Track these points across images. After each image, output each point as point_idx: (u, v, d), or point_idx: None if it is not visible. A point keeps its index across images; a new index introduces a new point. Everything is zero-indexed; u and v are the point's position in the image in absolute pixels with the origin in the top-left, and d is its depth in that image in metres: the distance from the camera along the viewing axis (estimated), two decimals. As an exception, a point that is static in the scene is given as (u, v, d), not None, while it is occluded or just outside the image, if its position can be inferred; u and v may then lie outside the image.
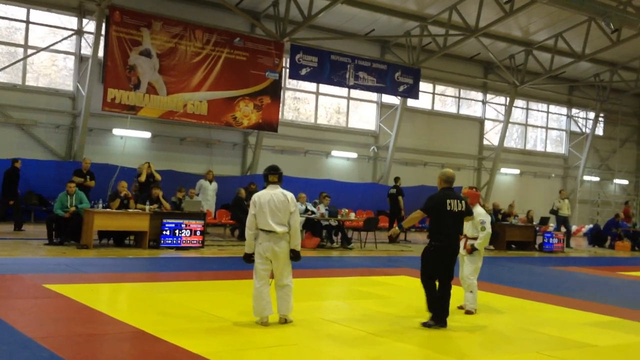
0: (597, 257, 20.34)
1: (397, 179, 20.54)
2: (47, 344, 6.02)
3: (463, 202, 7.92)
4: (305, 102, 25.09)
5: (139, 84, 19.42)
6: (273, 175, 7.52)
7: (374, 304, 9.30)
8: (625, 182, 34.06)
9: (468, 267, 8.89)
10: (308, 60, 22.34)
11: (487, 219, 8.93)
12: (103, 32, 19.18)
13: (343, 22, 23.47)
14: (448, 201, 7.74)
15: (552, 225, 21.65)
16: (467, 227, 8.78)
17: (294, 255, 7.48)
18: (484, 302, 10.03)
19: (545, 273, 14.87)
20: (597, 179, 33.06)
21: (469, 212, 8.11)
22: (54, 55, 20.42)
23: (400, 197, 19.79)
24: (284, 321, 7.48)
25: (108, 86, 18.94)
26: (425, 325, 7.67)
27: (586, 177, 32.32)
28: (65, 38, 20.05)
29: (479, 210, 8.88)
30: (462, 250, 8.84)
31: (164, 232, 14.25)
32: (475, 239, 8.85)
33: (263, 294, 7.35)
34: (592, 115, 32.40)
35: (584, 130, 32.67)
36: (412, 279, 12.18)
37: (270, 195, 7.39)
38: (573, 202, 28.82)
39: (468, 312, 8.77)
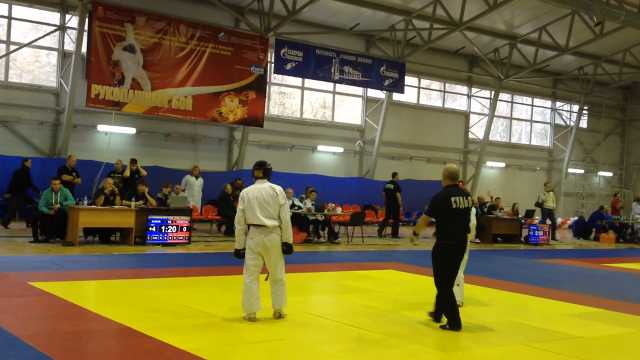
0: (582, 249, 20.50)
1: (394, 175, 20.60)
2: (33, 342, 5.98)
3: (469, 198, 7.70)
4: (291, 97, 25.06)
5: (123, 79, 19.31)
6: (258, 171, 7.55)
7: (361, 298, 9.32)
8: (609, 174, 34.32)
9: None
10: (293, 54, 22.30)
11: (472, 211, 8.96)
12: (86, 27, 19.04)
13: (328, 17, 23.44)
14: (452, 199, 7.48)
15: (537, 217, 21.79)
16: None
17: (287, 248, 7.47)
18: (470, 294, 10.08)
19: (531, 265, 14.97)
20: (581, 171, 33.30)
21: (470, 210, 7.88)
22: (37, 51, 20.26)
23: (398, 193, 19.80)
24: (279, 315, 7.49)
25: (92, 82, 18.82)
26: (443, 328, 7.42)
27: (571, 170, 32.55)
28: (48, 34, 19.88)
29: None
30: None
31: (150, 229, 14.20)
32: None
33: (252, 290, 7.34)
34: (576, 108, 32.62)
35: (568, 123, 32.88)
36: (399, 273, 12.24)
37: (258, 189, 7.41)
38: (558, 195, 29.01)
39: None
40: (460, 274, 8.89)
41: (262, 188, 7.43)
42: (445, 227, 7.55)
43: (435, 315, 7.70)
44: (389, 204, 19.98)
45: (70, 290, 8.70)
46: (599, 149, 33.46)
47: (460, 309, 8.76)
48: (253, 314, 7.33)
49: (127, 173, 16.20)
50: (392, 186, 19.99)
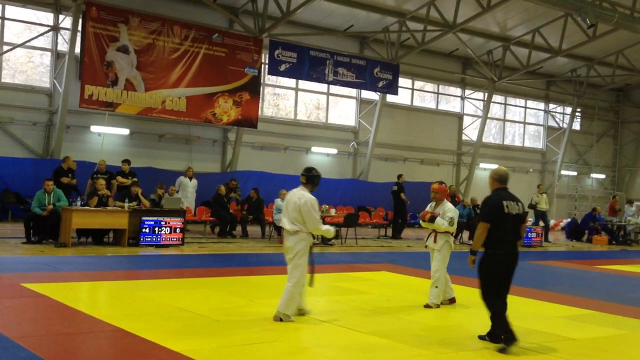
0: (575, 251, 20.57)
1: (399, 176, 20.88)
2: (26, 343, 5.97)
3: (520, 203, 7.04)
4: (285, 98, 25.06)
5: (117, 80, 19.28)
6: (302, 176, 7.69)
7: (355, 299, 9.33)
8: (602, 176, 34.43)
9: (436, 262, 8.96)
10: (287, 56, 22.31)
11: (456, 214, 9.01)
12: (80, 28, 19.00)
13: (322, 18, 23.46)
14: (504, 203, 6.83)
15: (530, 219, 21.84)
16: (438, 223, 8.91)
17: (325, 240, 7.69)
18: (462, 296, 10.10)
19: (524, 267, 14.91)
20: (574, 173, 33.40)
21: (525, 216, 7.16)
22: (30, 52, 20.21)
23: (402, 194, 19.98)
24: (279, 319, 7.48)
25: (85, 83, 18.79)
26: (500, 351, 6.72)
27: (564, 172, 32.65)
28: (42, 34, 19.84)
29: (448, 206, 9.00)
30: (431, 244, 8.94)
31: (144, 230, 14.16)
32: (445, 232, 8.95)
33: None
34: (569, 110, 32.71)
35: (561, 125, 32.98)
36: (392, 275, 12.25)
37: (292, 193, 7.60)
38: (551, 197, 29.10)
39: (427, 306, 8.84)
40: (441, 276, 8.90)
41: (295, 193, 7.55)
42: (495, 234, 6.79)
43: (507, 342, 6.78)
44: (395, 206, 20.22)
45: (63, 291, 8.68)
46: (591, 151, 33.57)
47: (452, 310, 8.81)
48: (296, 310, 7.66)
49: (127, 181, 16.01)
50: (396, 188, 20.17)
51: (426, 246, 9.23)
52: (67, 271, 10.62)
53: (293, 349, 6.50)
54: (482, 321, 8.28)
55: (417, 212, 23.49)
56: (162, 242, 14.36)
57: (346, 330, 7.34)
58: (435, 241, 8.95)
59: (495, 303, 6.84)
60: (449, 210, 8.93)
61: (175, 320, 7.38)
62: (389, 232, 20.79)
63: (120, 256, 12.90)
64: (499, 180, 7.07)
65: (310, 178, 7.58)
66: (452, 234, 9.09)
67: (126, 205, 14.24)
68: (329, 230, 7.76)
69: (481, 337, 7.08)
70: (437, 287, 8.87)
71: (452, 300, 9.12)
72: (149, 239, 14.23)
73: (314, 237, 7.70)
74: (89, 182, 15.87)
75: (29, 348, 5.82)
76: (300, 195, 7.47)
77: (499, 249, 6.81)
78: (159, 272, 11.27)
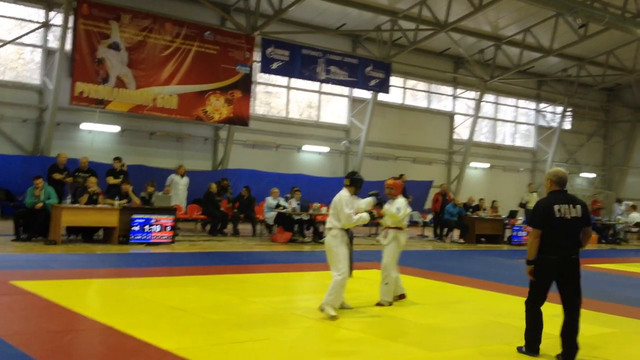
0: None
1: (400, 176, 20.77)
2: (15, 341, 5.94)
3: (578, 206, 6.63)
4: (277, 97, 25.03)
5: (108, 77, 19.21)
6: (346, 179, 8.15)
7: (345, 297, 9.31)
8: (592, 175, 34.60)
9: (385, 257, 8.97)
10: (279, 54, 22.28)
11: (404, 207, 8.97)
12: (70, 24, 18.92)
13: (314, 16, 23.45)
14: (556, 207, 6.51)
15: (520, 218, 21.91)
16: (386, 218, 8.95)
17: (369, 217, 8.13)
18: (451, 294, 10.16)
19: (514, 266, 15.03)
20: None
21: (587, 220, 6.74)
22: (21, 48, 20.10)
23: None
24: (322, 309, 7.74)
25: (76, 80, 18.71)
26: (519, 350, 6.73)
27: (554, 171, 32.72)
28: (32, 31, 19.73)
29: (399, 200, 8.99)
30: (382, 240, 8.97)
31: (134, 228, 14.12)
32: (397, 228, 8.95)
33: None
34: (559, 109, 32.84)
35: (551, 124, 33.10)
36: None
37: (337, 195, 8.06)
38: (541, 196, 29.07)
39: (379, 304, 8.80)
40: (391, 273, 8.88)
41: (338, 194, 8.04)
42: (547, 239, 6.50)
43: (528, 348, 6.70)
44: None
45: (53, 289, 8.63)
46: (582, 150, 33.72)
47: (442, 309, 8.82)
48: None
49: (117, 181, 15.87)
50: None
51: (378, 240, 9.26)
52: (56, 269, 10.58)
53: (284, 346, 6.49)
54: (476, 319, 8.32)
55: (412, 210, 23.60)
56: (152, 240, 14.32)
57: (336, 328, 7.34)
58: (385, 237, 8.99)
59: (534, 309, 6.69)
60: (398, 202, 8.96)
61: (166, 318, 7.36)
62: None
63: (111, 254, 12.86)
64: (557, 182, 6.73)
65: (354, 181, 8.08)
66: (402, 230, 9.06)
67: (116, 202, 14.19)
68: (362, 218, 8.09)
69: (519, 349, 6.80)
70: (387, 283, 8.85)
71: (401, 297, 9.10)
72: (140, 237, 14.19)
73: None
74: (70, 179, 15.62)
75: (18, 346, 5.80)
76: (339, 195, 7.97)
77: (550, 254, 6.52)
78: (149, 270, 11.24)
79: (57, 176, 15.27)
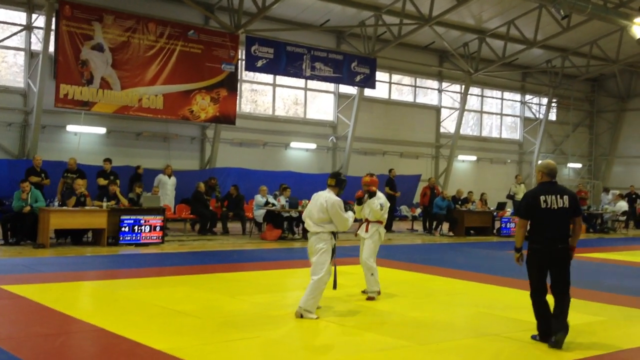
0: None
1: (390, 170, 20.97)
2: (6, 345, 5.92)
3: (566, 196, 6.73)
4: (263, 94, 25.01)
5: (92, 79, 19.10)
6: (331, 180, 7.95)
7: (335, 293, 9.32)
8: (578, 165, 34.81)
9: (367, 250, 9.04)
10: (264, 51, 22.25)
11: (385, 202, 9.12)
12: (53, 26, 18.79)
13: (298, 13, 23.43)
14: (542, 198, 6.67)
15: (509, 210, 22.02)
16: (367, 211, 9.04)
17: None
18: (441, 286, 10.20)
19: (503, 257, 15.12)
20: (551, 163, 33.65)
21: (575, 211, 6.80)
22: (4, 52, 19.96)
23: (387, 187, 20.02)
24: (300, 315, 7.46)
25: (60, 82, 18.59)
26: (533, 338, 6.83)
27: (541, 162, 32.87)
28: (15, 34, 19.60)
29: (380, 195, 9.13)
30: (362, 233, 9.00)
31: (123, 229, 14.09)
32: (378, 222, 9.07)
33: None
34: (545, 101, 33.01)
35: (537, 116, 33.27)
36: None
37: (318, 196, 7.86)
38: (529, 187, 29.31)
39: (370, 299, 8.86)
40: (373, 264, 8.97)
41: (321, 195, 7.82)
42: (534, 229, 6.73)
43: (541, 336, 6.80)
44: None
45: (43, 292, 8.60)
46: (568, 140, 33.92)
47: (433, 301, 8.86)
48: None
49: (109, 185, 15.79)
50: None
51: (356, 234, 9.33)
52: (46, 272, 10.52)
53: (275, 343, 6.51)
54: (466, 311, 8.37)
55: (399, 204, 23.66)
56: (141, 241, 14.30)
57: (327, 324, 7.36)
58: (366, 230, 9.02)
59: (537, 298, 6.78)
60: (380, 198, 9.09)
61: (157, 319, 7.36)
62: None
63: (100, 256, 12.82)
64: (548, 174, 6.89)
65: (339, 182, 7.92)
66: (382, 224, 9.19)
67: (104, 204, 14.14)
68: (351, 218, 7.98)
69: (533, 337, 6.90)
70: (372, 274, 8.94)
71: (370, 298, 9.16)
72: (129, 238, 14.16)
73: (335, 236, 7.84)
74: (60, 181, 15.61)
75: (9, 350, 5.77)
76: (326, 197, 7.72)
77: (536, 243, 6.69)
78: (139, 270, 11.22)
79: (34, 179, 15.16)
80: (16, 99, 19.80)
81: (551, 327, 6.62)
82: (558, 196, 6.70)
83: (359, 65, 24.49)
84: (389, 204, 9.32)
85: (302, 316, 7.44)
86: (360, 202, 9.04)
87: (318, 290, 7.53)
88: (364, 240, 9.13)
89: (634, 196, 26.07)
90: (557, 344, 6.52)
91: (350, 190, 8.74)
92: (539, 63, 30.99)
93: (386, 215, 9.26)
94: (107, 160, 16.73)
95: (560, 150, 34.12)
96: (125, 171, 18.44)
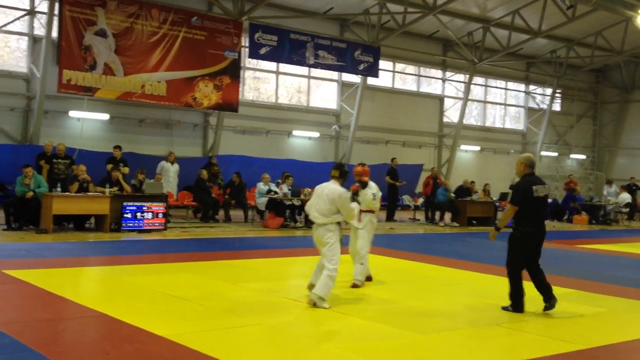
0: (556, 230, 20.74)
1: (392, 160, 21.04)
2: (9, 330, 5.93)
3: (546, 186, 7.87)
4: (266, 82, 24.95)
5: (95, 64, 19.07)
6: (334, 170, 8.01)
7: (337, 281, 9.34)
8: (582, 156, 34.73)
9: (362, 240, 9.05)
10: (267, 39, 22.17)
11: (376, 190, 9.17)
12: (56, 11, 18.73)
13: (302, 1, 23.34)
14: (534, 187, 7.58)
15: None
16: (361, 203, 9.00)
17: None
18: (442, 276, 10.21)
19: (504, 247, 15.09)
20: (555, 154, 33.65)
21: (547, 197, 7.92)
22: (7, 37, 19.91)
23: (387, 177, 20.07)
24: (313, 303, 7.48)
25: (63, 67, 18.56)
26: (504, 308, 7.71)
27: (544, 153, 32.88)
28: (18, 18, 19.55)
29: (372, 185, 9.19)
30: (356, 224, 9.01)
31: (125, 215, 14.10)
32: (369, 211, 9.09)
33: (318, 267, 7.93)
34: (549, 91, 32.90)
35: (541, 106, 33.17)
36: (373, 257, 12.26)
37: (324, 187, 7.89)
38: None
39: (355, 286, 8.85)
40: (366, 255, 9.01)
41: (326, 186, 7.87)
42: (525, 215, 7.58)
43: (514, 307, 7.68)
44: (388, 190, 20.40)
45: (45, 278, 8.62)
46: (571, 131, 33.82)
47: (432, 292, 8.87)
48: (310, 284, 7.85)
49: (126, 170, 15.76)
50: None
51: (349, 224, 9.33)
52: (48, 257, 10.55)
53: (277, 331, 6.52)
54: (468, 301, 8.38)
55: (402, 194, 23.65)
56: (144, 228, 14.31)
57: (329, 312, 7.36)
58: (359, 220, 9.03)
59: (518, 274, 7.65)
60: (372, 187, 9.14)
61: (159, 305, 7.37)
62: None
63: (102, 242, 12.84)
64: (530, 165, 7.77)
65: (343, 173, 7.99)
66: (374, 213, 9.26)
67: (107, 190, 14.14)
68: (357, 209, 8.26)
69: (505, 308, 7.73)
70: (362, 264, 8.96)
71: (368, 279, 9.19)
72: (131, 225, 14.18)
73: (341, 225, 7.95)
74: (45, 167, 15.38)
75: (12, 335, 5.79)
76: (332, 188, 7.78)
77: (527, 227, 7.58)
78: (141, 257, 11.24)
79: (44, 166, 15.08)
80: (19, 84, 19.77)
81: (545, 295, 7.64)
82: (542, 186, 7.69)
83: (362, 53, 24.40)
84: (380, 194, 9.40)
85: (315, 304, 7.46)
86: (356, 195, 8.99)
87: (332, 280, 7.61)
88: (356, 231, 9.10)
89: (634, 187, 26.02)
90: (552, 307, 7.59)
91: (352, 180, 8.75)
92: (544, 53, 30.86)
93: (378, 205, 9.33)
94: (117, 147, 16.63)
95: (563, 141, 34.03)
96: (128, 157, 18.43)
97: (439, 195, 19.96)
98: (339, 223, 7.82)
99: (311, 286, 7.79)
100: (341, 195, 7.72)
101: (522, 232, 7.62)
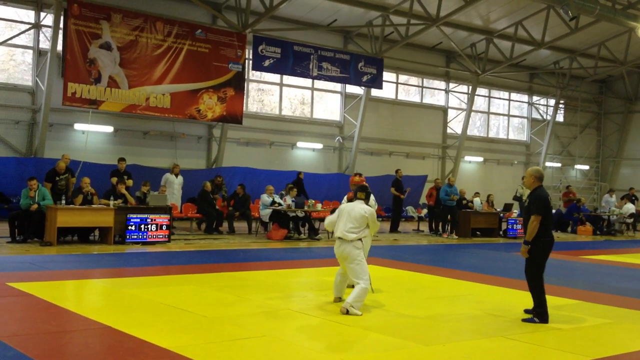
0: (560, 241, 20.68)
1: (396, 171, 21.09)
2: (13, 342, 5.94)
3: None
4: (270, 94, 25.01)
5: (100, 77, 19.15)
6: (360, 193, 8.57)
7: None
8: (586, 167, 34.70)
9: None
10: (271, 51, 22.26)
11: (373, 202, 9.29)
12: (61, 25, 18.85)
13: (305, 13, 23.43)
14: (549, 198, 8.06)
15: (515, 211, 21.97)
16: None
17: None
18: (447, 288, 10.18)
19: (509, 258, 15.09)
20: (558, 165, 33.62)
21: None
22: (12, 50, 20.02)
23: (392, 188, 20.14)
24: (346, 311, 7.79)
25: (68, 80, 18.64)
26: (528, 321, 7.80)
27: (548, 164, 32.85)
28: (23, 32, 19.67)
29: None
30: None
31: (130, 227, 14.12)
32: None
33: (337, 279, 8.68)
34: (552, 102, 32.91)
35: (544, 117, 33.18)
36: (378, 268, 12.27)
37: (354, 205, 8.42)
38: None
39: (350, 286, 8.80)
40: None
41: (356, 205, 8.41)
42: (546, 225, 7.86)
43: (541, 318, 7.79)
44: (393, 200, 20.48)
45: (50, 290, 8.63)
46: (575, 142, 33.81)
47: (439, 303, 8.84)
48: (336, 298, 8.57)
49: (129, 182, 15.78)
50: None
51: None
52: (53, 270, 10.56)
53: (282, 343, 6.51)
54: (474, 312, 8.35)
55: (406, 205, 23.65)
56: (148, 240, 14.33)
57: (333, 323, 7.36)
58: None
59: (542, 284, 7.89)
60: (370, 198, 9.14)
61: (163, 317, 7.37)
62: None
63: (107, 254, 12.85)
64: (540, 178, 8.14)
65: (368, 195, 8.68)
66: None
67: (111, 203, 14.17)
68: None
69: (527, 311, 8.02)
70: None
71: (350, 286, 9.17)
72: (135, 237, 14.19)
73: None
74: (48, 186, 15.15)
75: (16, 347, 5.79)
76: (364, 208, 8.34)
77: (548, 237, 7.91)
78: (145, 269, 11.23)
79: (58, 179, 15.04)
80: (24, 97, 19.86)
81: (544, 308, 7.82)
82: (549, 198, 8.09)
83: (366, 65, 24.48)
84: (377, 206, 9.50)
85: (347, 312, 7.77)
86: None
87: (365, 293, 8.02)
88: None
89: (633, 198, 25.97)
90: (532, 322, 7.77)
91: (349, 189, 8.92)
92: (547, 64, 30.91)
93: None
94: (122, 159, 16.65)
95: (567, 152, 34.01)
96: (132, 170, 18.48)
97: (442, 193, 19.69)
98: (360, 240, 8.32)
99: (337, 299, 8.39)
100: (373, 213, 8.44)
101: (544, 242, 7.87)
